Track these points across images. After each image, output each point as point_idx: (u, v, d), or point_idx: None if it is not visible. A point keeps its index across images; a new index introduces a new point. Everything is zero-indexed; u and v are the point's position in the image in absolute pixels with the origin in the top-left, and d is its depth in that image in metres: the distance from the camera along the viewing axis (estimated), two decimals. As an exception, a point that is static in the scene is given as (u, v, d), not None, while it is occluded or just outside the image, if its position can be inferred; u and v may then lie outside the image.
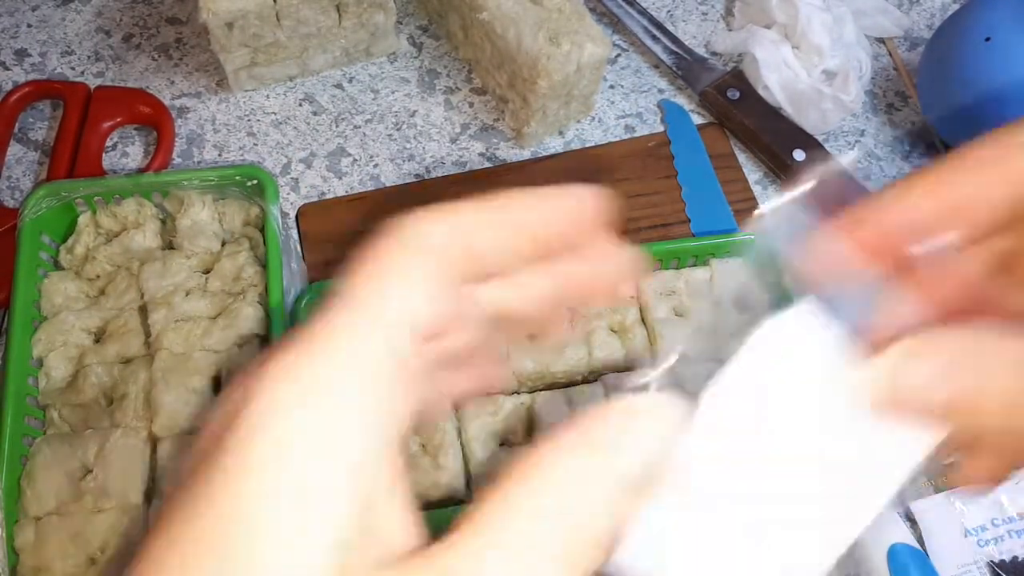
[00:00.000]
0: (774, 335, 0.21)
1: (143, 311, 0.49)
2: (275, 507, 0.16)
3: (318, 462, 0.17)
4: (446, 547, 0.17)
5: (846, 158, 0.21)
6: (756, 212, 0.22)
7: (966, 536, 0.47)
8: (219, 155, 0.59)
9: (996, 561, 0.47)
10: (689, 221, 0.56)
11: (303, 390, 0.17)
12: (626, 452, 0.19)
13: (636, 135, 0.60)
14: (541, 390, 0.47)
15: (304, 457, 0.17)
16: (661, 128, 0.60)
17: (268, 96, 0.61)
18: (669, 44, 0.62)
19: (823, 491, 0.21)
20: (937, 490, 0.47)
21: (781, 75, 0.58)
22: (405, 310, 0.19)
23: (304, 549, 0.16)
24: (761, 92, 0.59)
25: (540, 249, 0.21)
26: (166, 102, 0.59)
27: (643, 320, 0.49)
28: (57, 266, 0.51)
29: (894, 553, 0.47)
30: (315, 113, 0.60)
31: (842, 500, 0.21)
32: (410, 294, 0.19)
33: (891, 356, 0.20)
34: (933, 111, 0.57)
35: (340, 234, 0.56)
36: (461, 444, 0.45)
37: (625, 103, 0.62)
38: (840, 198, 0.22)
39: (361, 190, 0.58)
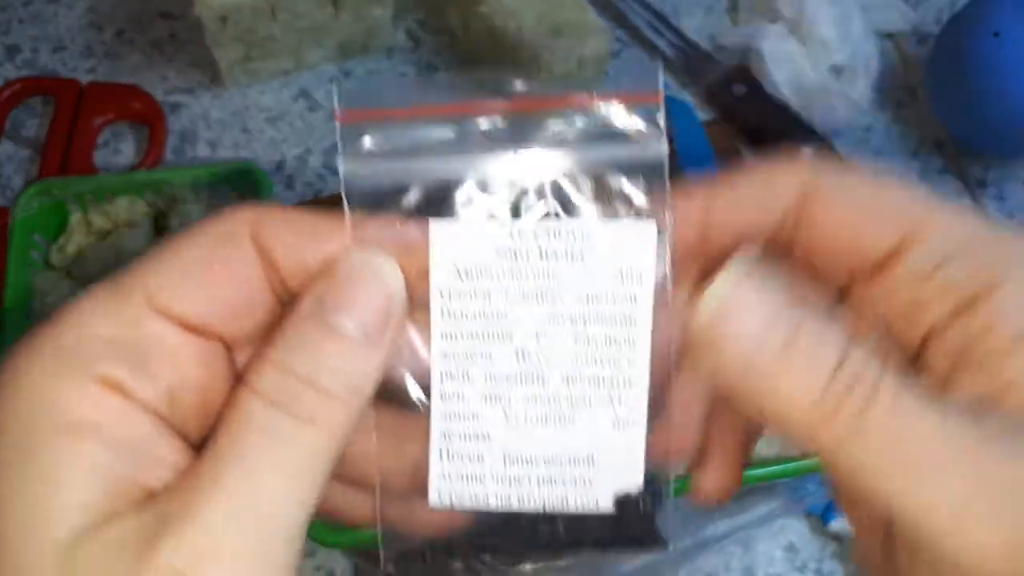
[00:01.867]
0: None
1: (135, 312, 0.48)
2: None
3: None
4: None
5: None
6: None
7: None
8: (212, 152, 0.58)
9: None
10: (693, 219, 0.55)
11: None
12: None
13: (639, 132, 0.59)
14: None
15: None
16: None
17: (263, 92, 0.60)
18: (673, 38, 0.61)
19: (581, 350, 0.20)
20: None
21: (788, 70, 0.57)
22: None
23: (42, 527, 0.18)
24: (767, 88, 0.58)
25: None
26: (159, 98, 0.58)
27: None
28: (48, 265, 0.51)
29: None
30: (311, 109, 0.59)
31: (606, 346, 0.20)
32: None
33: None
34: (942, 107, 0.56)
35: (337, 233, 0.55)
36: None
37: (627, 99, 0.61)
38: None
39: (358, 188, 0.57)
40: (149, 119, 0.57)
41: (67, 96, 0.57)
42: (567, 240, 0.20)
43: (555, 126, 0.20)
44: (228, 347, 0.21)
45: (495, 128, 0.20)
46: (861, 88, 0.56)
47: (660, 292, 0.20)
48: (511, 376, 0.21)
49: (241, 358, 0.21)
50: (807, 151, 0.55)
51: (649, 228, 0.20)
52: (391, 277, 0.20)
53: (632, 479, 0.21)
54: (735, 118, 0.59)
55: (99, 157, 0.57)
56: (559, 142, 0.20)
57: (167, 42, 0.61)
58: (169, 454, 0.19)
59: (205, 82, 0.60)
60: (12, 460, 0.18)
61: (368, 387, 0.20)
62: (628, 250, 0.20)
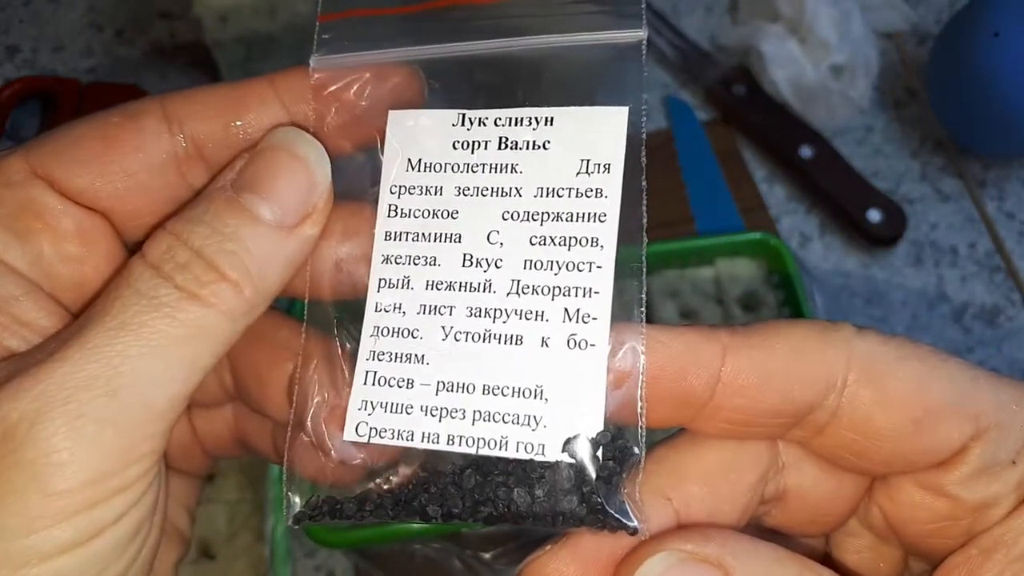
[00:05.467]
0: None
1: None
2: None
3: None
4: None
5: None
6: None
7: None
8: (213, 152, 0.58)
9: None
10: (694, 220, 0.55)
11: None
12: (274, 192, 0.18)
13: (639, 132, 0.59)
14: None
15: None
16: (665, 124, 0.59)
17: (263, 92, 0.59)
18: (673, 38, 0.61)
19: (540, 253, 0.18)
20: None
21: (788, 70, 0.57)
22: None
23: None
24: (767, 88, 0.58)
25: None
26: (159, 98, 0.58)
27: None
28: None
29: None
30: (311, 109, 0.59)
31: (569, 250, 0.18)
32: None
33: None
34: (942, 107, 0.56)
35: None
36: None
37: (628, 99, 0.60)
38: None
39: (358, 188, 0.57)
40: (149, 119, 0.57)
41: (67, 96, 0.57)
42: (531, 127, 0.18)
43: (529, 11, 0.18)
44: (118, 223, 0.20)
45: (469, 20, 0.18)
46: (861, 88, 0.56)
47: (632, 188, 0.18)
48: (455, 284, 0.18)
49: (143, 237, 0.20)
50: (807, 150, 0.55)
51: (620, 115, 0.18)
52: (317, 164, 0.19)
53: (589, 419, 0.17)
54: (735, 118, 0.58)
55: (99, 157, 0.57)
56: (533, 30, 0.18)
57: (167, 42, 0.61)
58: (38, 318, 0.18)
59: (205, 82, 0.60)
60: None
61: (273, 278, 0.18)
62: (596, 138, 0.18)
